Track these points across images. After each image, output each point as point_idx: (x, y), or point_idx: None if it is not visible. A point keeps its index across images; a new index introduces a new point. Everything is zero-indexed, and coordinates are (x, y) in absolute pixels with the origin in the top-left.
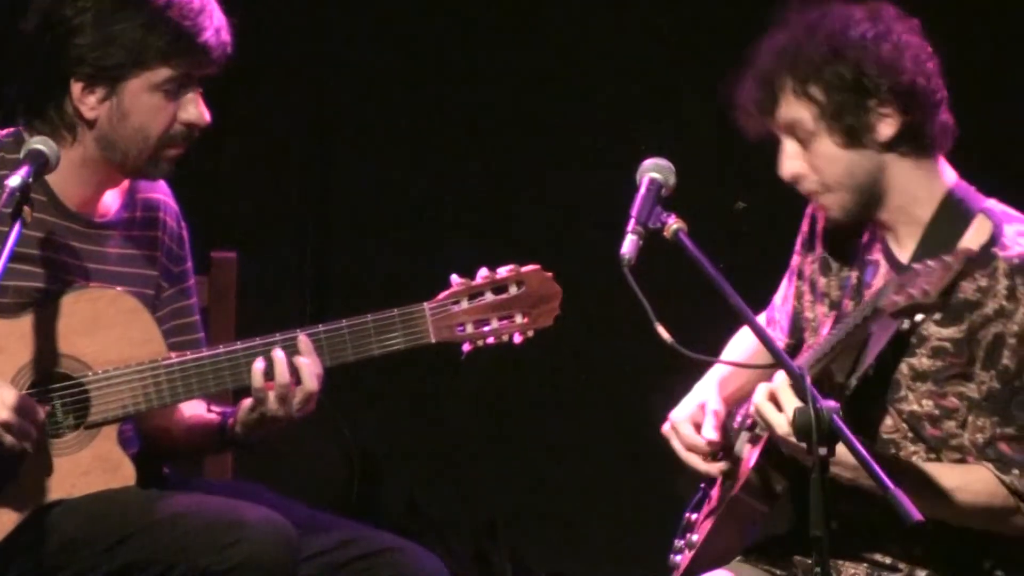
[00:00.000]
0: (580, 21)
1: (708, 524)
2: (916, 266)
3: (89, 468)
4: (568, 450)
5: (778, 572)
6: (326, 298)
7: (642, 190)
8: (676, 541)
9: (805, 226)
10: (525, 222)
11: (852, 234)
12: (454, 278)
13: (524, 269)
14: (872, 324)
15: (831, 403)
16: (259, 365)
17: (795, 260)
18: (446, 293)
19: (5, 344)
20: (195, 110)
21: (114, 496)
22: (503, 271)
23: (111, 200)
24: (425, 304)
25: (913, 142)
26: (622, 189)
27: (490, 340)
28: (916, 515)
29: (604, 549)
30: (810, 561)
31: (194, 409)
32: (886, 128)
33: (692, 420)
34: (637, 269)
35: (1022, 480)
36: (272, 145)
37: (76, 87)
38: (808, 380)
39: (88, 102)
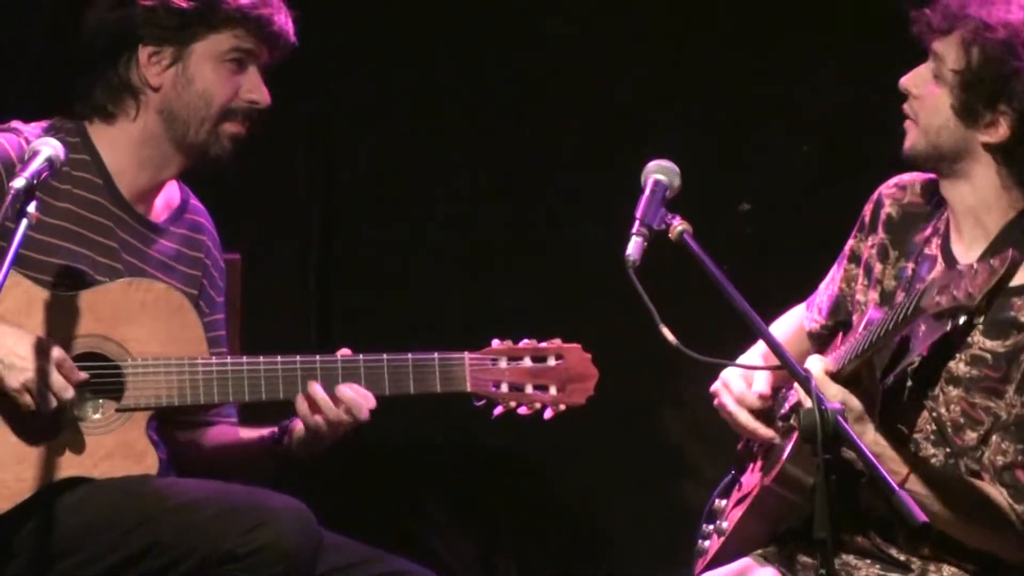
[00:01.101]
0: (585, 26)
1: (739, 511)
2: (960, 267)
3: (113, 451)
4: (573, 452)
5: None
6: (330, 299)
7: (647, 192)
8: (704, 526)
9: (867, 210)
10: (529, 227)
11: (915, 225)
12: (495, 341)
13: (566, 346)
14: (913, 322)
15: (835, 405)
16: (303, 405)
17: (850, 243)
18: (487, 350)
19: (51, 318)
20: (258, 88)
21: (135, 481)
22: (545, 343)
23: (161, 207)
24: (466, 354)
25: (1009, 159)
26: (627, 191)
27: (523, 410)
28: (921, 516)
29: (609, 552)
30: (811, 561)
31: (239, 433)
32: (991, 130)
33: (743, 377)
34: (642, 271)
35: None
36: (277, 146)
37: (144, 52)
38: (813, 383)
39: (154, 69)
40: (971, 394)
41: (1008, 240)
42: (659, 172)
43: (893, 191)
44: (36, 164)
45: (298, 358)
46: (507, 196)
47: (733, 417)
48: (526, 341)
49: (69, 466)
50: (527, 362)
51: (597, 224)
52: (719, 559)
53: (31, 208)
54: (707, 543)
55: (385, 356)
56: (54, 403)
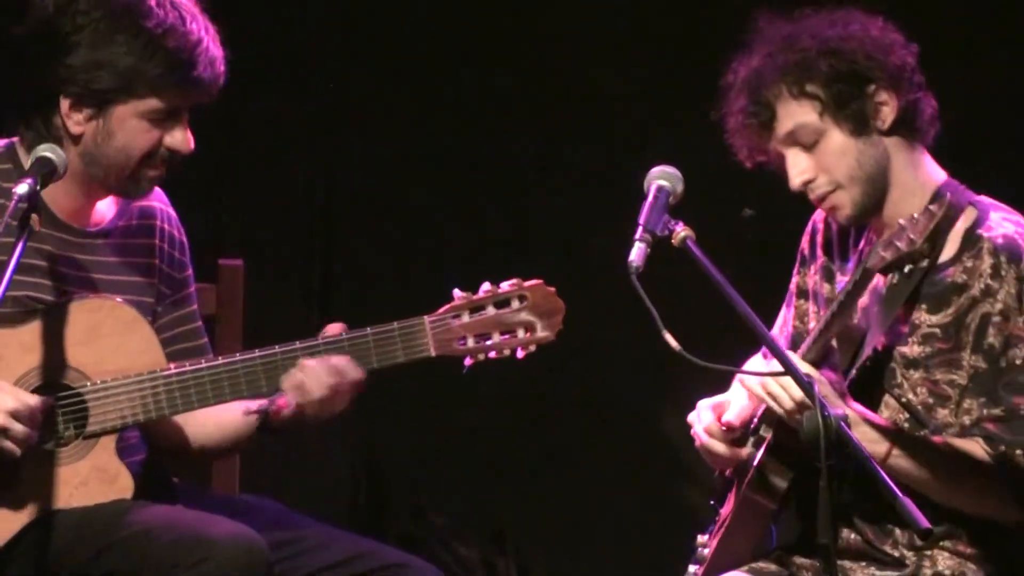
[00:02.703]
0: (587, 30)
1: (718, 537)
2: (900, 221)
3: (87, 478)
4: (575, 458)
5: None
6: (332, 305)
7: (650, 198)
8: (690, 567)
9: (804, 242)
10: (531, 231)
11: (846, 240)
12: (456, 292)
13: (527, 283)
14: (865, 286)
15: (839, 411)
16: (291, 381)
17: (794, 281)
18: (447, 307)
19: (4, 353)
20: (181, 137)
21: (99, 507)
22: (505, 285)
23: (105, 209)
24: (425, 317)
25: (909, 126)
26: (629, 197)
27: (492, 354)
28: (924, 523)
29: (610, 557)
30: (809, 562)
31: (221, 412)
32: (887, 111)
33: (715, 408)
34: (644, 276)
35: (1010, 453)
36: (278, 152)
37: (64, 103)
38: (817, 388)
39: (75, 118)
40: (931, 372)
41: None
42: (662, 178)
43: (824, 215)
44: (38, 169)
45: (257, 352)
46: (508, 198)
47: (704, 446)
48: (485, 287)
49: (47, 500)
50: (491, 310)
51: (599, 228)
52: None
53: (34, 216)
54: None
55: (344, 334)
56: (19, 452)
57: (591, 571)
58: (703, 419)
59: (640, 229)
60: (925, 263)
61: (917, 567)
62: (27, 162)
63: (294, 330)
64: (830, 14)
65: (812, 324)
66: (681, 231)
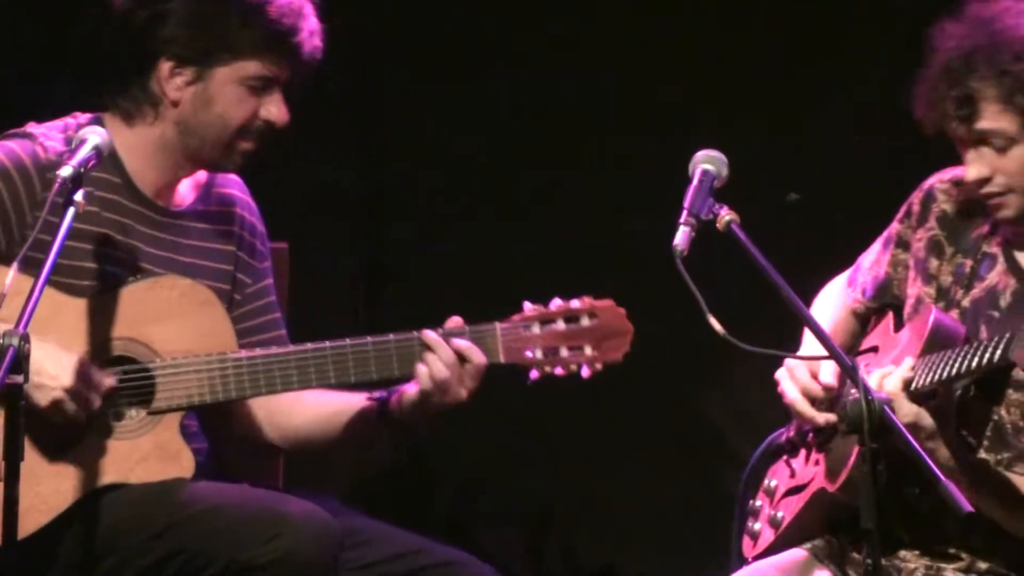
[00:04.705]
0: (631, 16)
1: (793, 503)
2: None
3: (148, 454)
4: (620, 444)
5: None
6: (378, 286)
7: (695, 182)
8: (752, 502)
9: (916, 200)
10: (574, 216)
11: (972, 222)
12: (527, 304)
13: (598, 303)
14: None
15: (883, 395)
16: (423, 368)
17: (896, 227)
18: (518, 316)
19: (76, 324)
20: (276, 109)
21: (163, 484)
22: (577, 302)
23: (186, 191)
24: (497, 324)
25: None
26: (674, 182)
27: (559, 371)
28: (966, 506)
29: (655, 543)
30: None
31: (334, 399)
32: None
33: (808, 367)
34: (689, 260)
35: None
36: (324, 133)
37: (165, 66)
38: (861, 372)
39: (174, 83)
40: None
41: None
42: (707, 162)
43: (947, 187)
44: (84, 152)
45: (328, 344)
46: (553, 185)
47: (794, 406)
48: (557, 302)
49: (106, 473)
50: (560, 325)
51: (643, 212)
52: (773, 549)
53: (78, 196)
54: (757, 525)
55: (415, 333)
56: (83, 418)
57: (635, 555)
58: (799, 375)
59: (685, 213)
60: None
61: (972, 561)
62: (120, 144)
63: (339, 313)
64: None
65: (909, 288)
66: (726, 215)
